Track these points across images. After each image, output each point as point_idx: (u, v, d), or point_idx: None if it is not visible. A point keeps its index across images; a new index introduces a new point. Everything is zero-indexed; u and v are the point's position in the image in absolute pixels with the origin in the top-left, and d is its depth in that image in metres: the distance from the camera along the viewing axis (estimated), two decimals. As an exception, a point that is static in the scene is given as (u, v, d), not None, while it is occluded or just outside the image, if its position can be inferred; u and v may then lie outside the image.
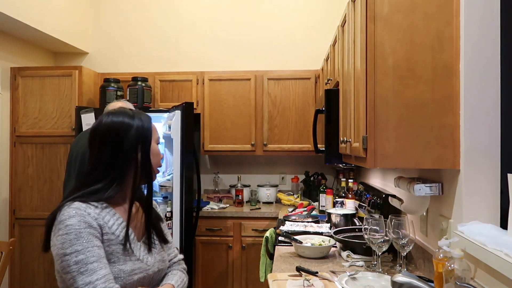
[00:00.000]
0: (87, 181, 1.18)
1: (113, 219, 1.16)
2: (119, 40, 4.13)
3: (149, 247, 1.24)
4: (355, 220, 2.56)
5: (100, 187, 1.17)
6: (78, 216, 1.07)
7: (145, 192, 1.28)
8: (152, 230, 1.29)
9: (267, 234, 2.53)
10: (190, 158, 3.02)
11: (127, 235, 1.16)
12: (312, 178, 3.81)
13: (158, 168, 1.30)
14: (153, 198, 1.38)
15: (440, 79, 1.47)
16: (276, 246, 2.27)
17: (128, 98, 3.56)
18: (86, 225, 1.08)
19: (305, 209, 3.30)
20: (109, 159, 1.18)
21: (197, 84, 3.72)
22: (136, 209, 1.29)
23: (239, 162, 4.04)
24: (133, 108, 1.53)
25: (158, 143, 1.28)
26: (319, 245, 2.05)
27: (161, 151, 1.29)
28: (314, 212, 3.19)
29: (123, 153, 1.19)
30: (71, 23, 3.82)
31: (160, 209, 1.85)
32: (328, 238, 2.15)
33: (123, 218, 1.19)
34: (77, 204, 1.10)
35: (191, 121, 3.02)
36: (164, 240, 1.34)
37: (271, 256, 2.40)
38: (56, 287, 1.19)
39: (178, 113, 2.94)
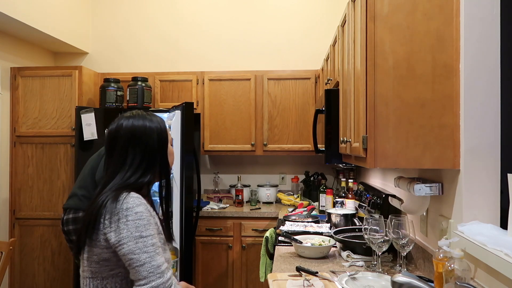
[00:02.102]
0: (123, 177, 1.26)
1: (161, 208, 1.36)
2: (119, 40, 4.13)
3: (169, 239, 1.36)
4: (355, 220, 2.56)
5: (140, 184, 1.27)
6: (143, 205, 1.19)
7: (164, 189, 1.40)
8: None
9: (267, 234, 2.53)
10: (190, 158, 3.02)
11: (168, 227, 1.34)
12: (312, 178, 3.80)
13: None
14: (153, 198, 1.43)
15: (440, 79, 1.47)
16: (276, 246, 2.27)
17: (128, 98, 3.57)
18: (149, 214, 1.19)
19: (305, 209, 3.30)
20: (132, 161, 1.27)
21: (197, 84, 3.72)
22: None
23: (239, 162, 4.04)
24: None
25: (172, 144, 1.41)
26: (319, 245, 2.05)
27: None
28: (314, 212, 3.19)
29: (148, 155, 1.29)
30: (71, 23, 3.82)
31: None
32: (328, 238, 2.15)
33: (155, 211, 1.31)
34: (134, 194, 1.21)
35: (191, 121, 3.02)
36: (169, 238, 1.40)
37: (271, 256, 2.40)
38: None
39: (178, 113, 2.94)
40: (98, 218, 1.17)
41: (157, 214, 1.31)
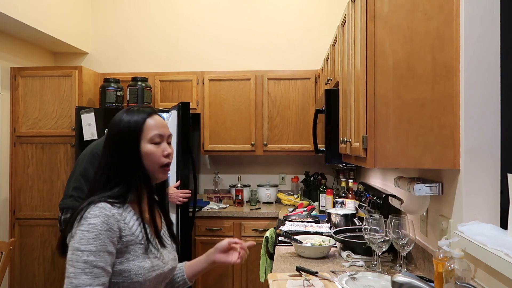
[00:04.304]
0: (99, 183, 1.17)
1: (133, 220, 1.16)
2: (119, 40, 4.13)
3: (163, 243, 1.25)
4: (355, 220, 2.56)
5: (119, 189, 1.16)
6: (102, 216, 1.09)
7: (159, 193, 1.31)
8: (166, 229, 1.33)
9: (267, 234, 2.53)
10: (187, 158, 3.02)
11: (147, 236, 1.17)
12: (312, 178, 3.80)
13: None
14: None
15: (440, 79, 1.47)
16: (276, 246, 2.27)
17: (128, 98, 3.57)
18: (107, 228, 1.08)
19: (305, 209, 3.30)
20: (110, 159, 1.18)
21: (197, 84, 3.72)
22: (153, 207, 1.29)
23: (239, 162, 4.04)
24: None
25: (156, 142, 1.20)
26: (319, 245, 2.05)
27: (168, 149, 1.22)
28: (314, 212, 3.19)
29: (117, 156, 1.17)
30: (71, 23, 3.82)
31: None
32: (328, 238, 2.15)
33: (141, 218, 1.19)
34: (103, 204, 1.11)
35: (187, 121, 3.01)
36: (175, 240, 1.35)
37: (271, 256, 2.40)
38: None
39: (174, 113, 2.95)
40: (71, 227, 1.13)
41: (144, 224, 1.18)
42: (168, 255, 1.26)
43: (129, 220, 1.15)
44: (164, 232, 1.30)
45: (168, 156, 1.22)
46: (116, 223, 1.11)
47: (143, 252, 1.15)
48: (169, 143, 1.25)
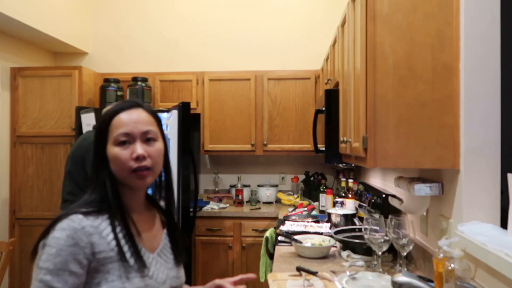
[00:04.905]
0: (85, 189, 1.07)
1: (113, 234, 0.98)
2: (119, 40, 4.13)
3: (143, 263, 1.02)
4: (355, 220, 2.56)
5: (91, 196, 1.02)
6: (68, 230, 0.93)
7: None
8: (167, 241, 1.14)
9: (267, 234, 2.53)
10: (187, 158, 3.02)
11: (136, 252, 1.00)
12: (312, 178, 3.81)
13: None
14: None
15: (440, 79, 1.47)
16: (276, 246, 2.27)
17: (128, 98, 3.56)
18: (72, 243, 0.92)
19: (305, 209, 3.29)
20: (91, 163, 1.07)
21: (197, 84, 3.72)
22: (152, 217, 1.14)
23: (239, 162, 4.04)
24: None
25: (121, 143, 1.01)
26: (319, 245, 2.05)
27: (137, 150, 1.01)
28: (314, 212, 3.18)
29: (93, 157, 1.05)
30: (71, 23, 3.82)
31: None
32: (328, 238, 2.15)
33: (126, 230, 1.00)
34: (74, 216, 0.96)
35: (188, 121, 3.01)
36: (180, 254, 1.14)
37: (271, 256, 2.40)
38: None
39: (175, 113, 2.94)
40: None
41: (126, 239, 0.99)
42: (167, 272, 1.07)
43: (107, 233, 0.97)
44: (164, 244, 1.11)
45: (138, 159, 1.00)
46: (87, 237, 0.94)
47: (126, 271, 0.96)
48: (147, 141, 1.04)
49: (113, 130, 1.01)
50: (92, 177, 1.04)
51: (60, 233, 0.93)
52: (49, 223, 0.97)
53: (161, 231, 1.13)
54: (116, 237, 0.97)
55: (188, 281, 3.23)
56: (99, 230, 0.96)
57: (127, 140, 1.01)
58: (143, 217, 1.10)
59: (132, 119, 1.02)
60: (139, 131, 1.02)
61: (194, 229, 3.39)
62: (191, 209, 3.09)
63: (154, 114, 1.10)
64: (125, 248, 0.98)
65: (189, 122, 3.05)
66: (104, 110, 1.08)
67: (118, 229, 0.99)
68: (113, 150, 1.00)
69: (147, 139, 1.03)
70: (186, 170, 2.99)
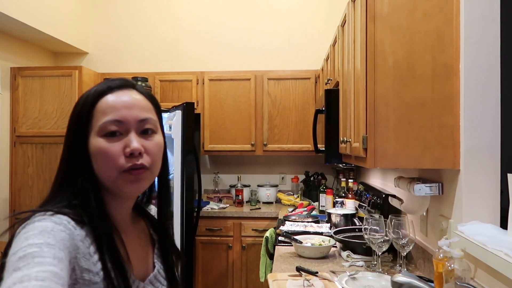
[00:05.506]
0: (51, 190, 0.86)
1: (99, 253, 0.73)
2: (119, 40, 4.13)
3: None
4: (355, 220, 2.56)
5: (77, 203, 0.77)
6: (55, 223, 0.70)
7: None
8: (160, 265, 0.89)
9: (267, 234, 2.53)
10: (191, 158, 3.02)
11: (109, 280, 0.72)
12: (312, 178, 3.80)
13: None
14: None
15: (440, 79, 1.47)
16: (276, 246, 2.27)
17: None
18: (68, 232, 0.68)
19: (305, 209, 3.30)
20: (61, 158, 0.86)
21: (197, 84, 3.72)
22: (139, 232, 0.89)
23: (239, 162, 4.04)
24: None
25: (109, 134, 0.76)
26: (319, 245, 2.05)
27: (132, 143, 0.75)
28: (314, 212, 3.19)
29: (64, 150, 0.84)
30: (71, 23, 3.82)
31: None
32: (328, 238, 2.15)
33: (112, 251, 0.74)
34: (59, 216, 0.74)
35: (191, 121, 3.02)
36: (175, 282, 0.90)
37: (271, 256, 2.40)
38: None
39: (178, 113, 2.94)
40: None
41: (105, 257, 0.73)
42: None
43: (93, 252, 0.72)
44: (157, 270, 0.87)
45: (132, 155, 0.75)
46: (77, 242, 0.70)
47: None
48: (144, 133, 0.78)
49: (98, 116, 0.76)
50: (63, 177, 0.80)
51: (50, 223, 0.69)
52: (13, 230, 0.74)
53: (151, 251, 0.89)
54: (102, 259, 0.72)
55: (189, 281, 3.23)
56: (86, 244, 0.71)
57: (118, 130, 0.76)
58: (131, 234, 0.85)
59: (125, 102, 0.77)
60: (135, 118, 0.77)
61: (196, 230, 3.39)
62: (195, 209, 3.10)
63: (153, 98, 0.84)
64: (112, 274, 0.72)
65: (193, 122, 3.06)
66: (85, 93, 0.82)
67: (104, 248, 0.73)
68: (98, 143, 0.75)
69: (144, 130, 0.78)
70: (189, 170, 3.00)
